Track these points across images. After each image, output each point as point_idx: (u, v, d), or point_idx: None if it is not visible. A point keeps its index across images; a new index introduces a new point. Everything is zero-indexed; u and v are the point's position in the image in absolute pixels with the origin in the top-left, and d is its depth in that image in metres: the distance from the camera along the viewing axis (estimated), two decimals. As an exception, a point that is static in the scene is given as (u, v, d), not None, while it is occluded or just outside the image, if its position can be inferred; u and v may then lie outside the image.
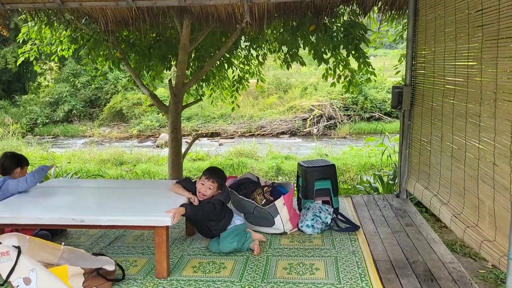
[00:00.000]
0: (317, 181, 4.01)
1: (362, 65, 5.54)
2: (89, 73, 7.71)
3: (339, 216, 3.91)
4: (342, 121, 17.28)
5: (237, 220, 3.41)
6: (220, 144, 15.25)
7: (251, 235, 3.41)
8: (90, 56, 6.12)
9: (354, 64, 5.72)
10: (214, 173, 3.37)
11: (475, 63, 2.99)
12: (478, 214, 2.93)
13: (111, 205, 3.17)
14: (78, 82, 20.11)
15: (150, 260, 3.17)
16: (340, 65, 5.74)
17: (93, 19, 5.12)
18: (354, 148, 11.01)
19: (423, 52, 4.10)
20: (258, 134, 16.82)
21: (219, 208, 3.22)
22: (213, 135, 17.00)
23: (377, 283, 2.78)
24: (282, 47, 5.92)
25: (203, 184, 3.31)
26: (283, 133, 16.98)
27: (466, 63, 3.14)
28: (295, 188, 4.32)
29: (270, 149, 12.37)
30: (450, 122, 3.44)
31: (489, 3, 2.74)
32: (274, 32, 5.93)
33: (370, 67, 5.57)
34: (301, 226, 3.72)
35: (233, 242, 3.24)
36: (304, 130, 16.93)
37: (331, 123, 17.24)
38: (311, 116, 17.25)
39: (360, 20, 5.39)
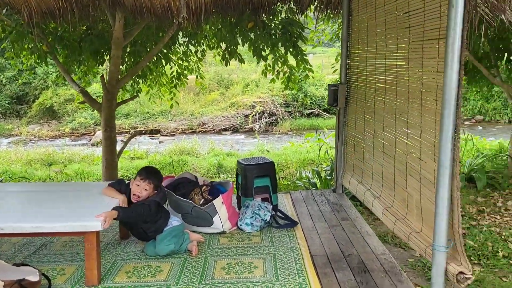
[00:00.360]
0: (256, 179, 4.01)
1: (300, 62, 5.63)
2: (14, 67, 7.13)
3: (278, 213, 3.94)
4: (283, 117, 17.57)
5: (174, 221, 3.31)
6: (160, 142, 14.87)
7: (189, 236, 3.33)
8: (13, 50, 5.67)
9: (292, 61, 5.81)
10: (149, 173, 3.24)
11: (403, 63, 3.13)
12: (407, 207, 3.07)
13: (36, 211, 2.93)
14: (3, 77, 18.60)
15: (80, 267, 2.99)
16: (278, 62, 5.80)
17: (16, 10, 4.71)
18: (294, 144, 11.23)
19: (357, 51, 4.23)
20: (199, 131, 16.61)
21: (154, 210, 3.10)
22: (152, 132, 16.53)
23: (314, 278, 2.83)
24: (221, 43, 5.86)
25: (138, 185, 3.17)
26: (225, 129, 16.91)
27: (395, 63, 3.28)
28: (235, 186, 4.29)
29: (211, 146, 12.27)
30: (381, 119, 3.58)
31: (415, 5, 2.87)
32: (213, 28, 5.85)
33: (308, 64, 5.68)
34: (240, 225, 3.70)
35: (170, 244, 3.14)
36: (246, 126, 16.99)
37: (272, 120, 17.46)
38: (253, 113, 17.35)
39: (297, 18, 5.46)
